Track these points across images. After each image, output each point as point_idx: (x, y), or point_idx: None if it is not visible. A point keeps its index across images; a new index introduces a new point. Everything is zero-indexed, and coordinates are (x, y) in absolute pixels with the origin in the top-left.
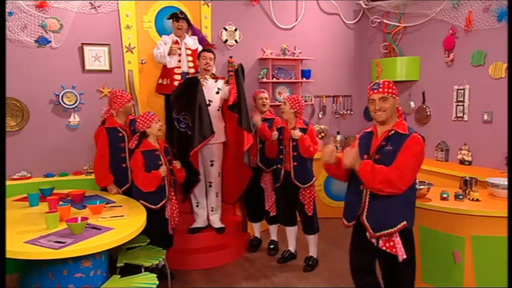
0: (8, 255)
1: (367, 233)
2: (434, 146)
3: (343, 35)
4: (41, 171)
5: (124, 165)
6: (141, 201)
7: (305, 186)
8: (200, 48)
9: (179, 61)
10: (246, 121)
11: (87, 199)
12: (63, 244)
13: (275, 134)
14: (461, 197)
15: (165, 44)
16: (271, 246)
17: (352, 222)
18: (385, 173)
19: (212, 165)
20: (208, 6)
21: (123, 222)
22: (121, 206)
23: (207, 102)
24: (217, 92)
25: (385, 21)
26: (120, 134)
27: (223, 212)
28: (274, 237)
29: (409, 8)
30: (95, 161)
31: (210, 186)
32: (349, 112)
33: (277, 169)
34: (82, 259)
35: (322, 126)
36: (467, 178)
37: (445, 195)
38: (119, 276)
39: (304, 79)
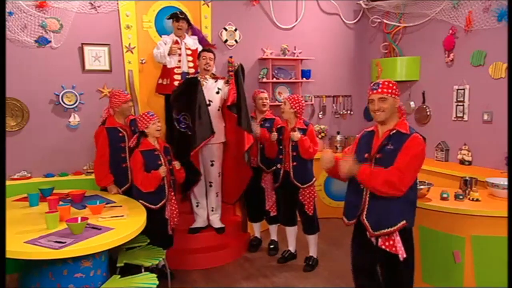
0: (8, 255)
1: (367, 232)
2: (434, 146)
3: (343, 35)
4: (41, 171)
5: (124, 165)
6: (141, 201)
7: (305, 186)
8: (200, 48)
9: (179, 61)
10: (245, 121)
11: (87, 199)
12: (63, 244)
13: (274, 134)
14: (461, 197)
15: (165, 44)
16: (271, 246)
17: (353, 221)
18: (385, 175)
19: (212, 165)
20: (208, 6)
21: (123, 222)
22: (121, 206)
23: (207, 102)
24: (217, 92)
25: (385, 21)
26: (120, 134)
27: (223, 212)
28: (274, 237)
29: (409, 8)
30: (95, 161)
31: (210, 186)
32: (349, 112)
33: (277, 169)
34: (82, 259)
35: (322, 126)
36: (467, 178)
37: (445, 195)
38: (119, 276)
39: (304, 79)
